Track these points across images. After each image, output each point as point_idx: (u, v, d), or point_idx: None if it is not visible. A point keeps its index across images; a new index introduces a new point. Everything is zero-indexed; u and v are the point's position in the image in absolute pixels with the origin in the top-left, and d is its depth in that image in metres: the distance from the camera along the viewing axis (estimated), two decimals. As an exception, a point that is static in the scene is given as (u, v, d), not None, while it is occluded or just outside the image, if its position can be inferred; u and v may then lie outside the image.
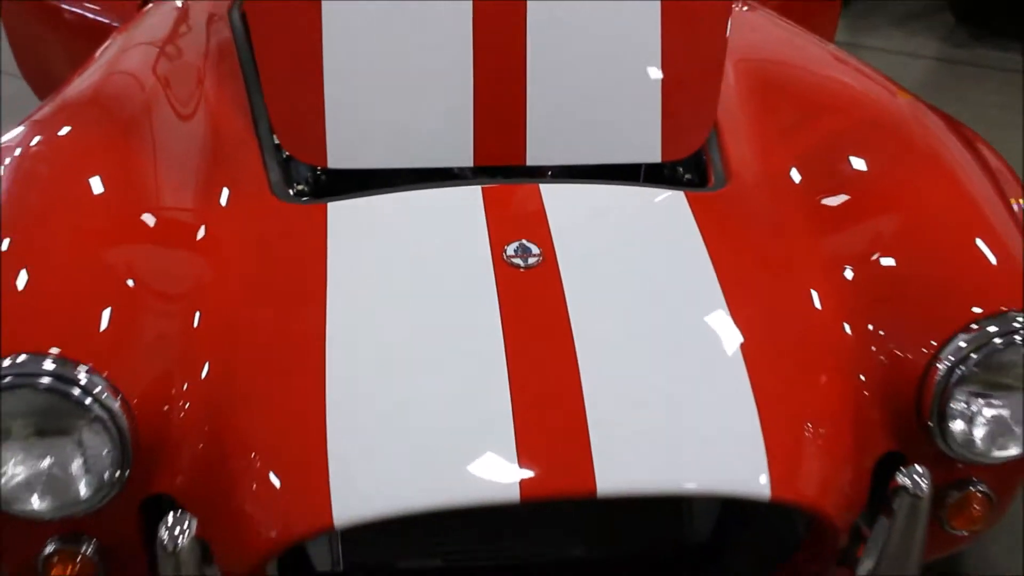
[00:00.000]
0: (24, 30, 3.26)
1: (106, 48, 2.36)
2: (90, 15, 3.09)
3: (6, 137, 1.80)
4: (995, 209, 1.67)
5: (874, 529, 1.47)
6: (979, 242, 1.56)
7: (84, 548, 1.41)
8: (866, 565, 1.48)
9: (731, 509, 1.63)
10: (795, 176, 1.75)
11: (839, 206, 1.67)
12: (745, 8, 2.60)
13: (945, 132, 1.88)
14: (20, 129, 1.83)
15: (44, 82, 3.07)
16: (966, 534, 1.57)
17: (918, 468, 1.39)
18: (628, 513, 1.60)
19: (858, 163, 1.75)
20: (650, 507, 1.61)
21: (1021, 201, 1.78)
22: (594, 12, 1.73)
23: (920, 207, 1.66)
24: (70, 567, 1.41)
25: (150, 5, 2.70)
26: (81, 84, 2.06)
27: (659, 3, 1.73)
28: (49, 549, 1.41)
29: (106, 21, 3.02)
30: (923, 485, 1.37)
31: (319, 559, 1.61)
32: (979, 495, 1.54)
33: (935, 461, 1.51)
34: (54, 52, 3.12)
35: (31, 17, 3.19)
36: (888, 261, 1.58)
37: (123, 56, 2.24)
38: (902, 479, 1.37)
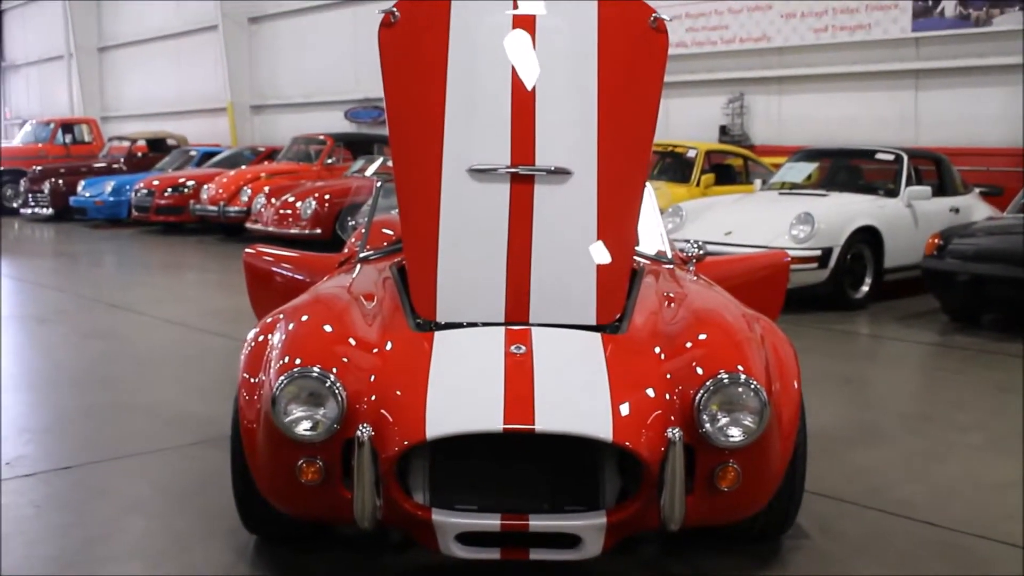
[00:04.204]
0: (254, 284, 5.46)
1: (313, 288, 4.33)
2: (289, 274, 5.26)
3: (262, 322, 3.68)
4: (755, 356, 3.32)
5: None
6: (739, 366, 3.22)
7: (317, 462, 3.14)
8: (662, 495, 3.06)
9: (626, 483, 3.20)
10: (660, 334, 3.48)
11: (675, 348, 3.38)
12: (694, 279, 4.43)
13: (751, 328, 3.51)
14: (270, 319, 3.68)
15: (264, 310, 5.13)
16: (726, 490, 3.13)
17: (676, 430, 3.01)
18: (570, 479, 3.22)
19: (692, 334, 3.45)
20: (577, 475, 3.21)
21: (795, 381, 3.42)
22: (563, 239, 3.62)
23: (711, 349, 3.35)
24: (312, 470, 3.14)
25: (337, 270, 4.73)
26: (303, 299, 3.97)
27: (595, 264, 3.62)
28: (301, 462, 3.14)
29: (301, 278, 5.12)
30: (678, 436, 2.99)
31: (418, 499, 3.25)
32: (731, 468, 3.13)
33: (711, 450, 3.13)
34: (270, 296, 5.17)
35: (258, 276, 5.47)
36: (694, 367, 3.25)
37: (328, 288, 4.19)
38: (669, 434, 3.00)
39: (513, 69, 3.69)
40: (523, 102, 3.67)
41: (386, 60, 3.72)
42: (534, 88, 3.68)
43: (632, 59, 3.74)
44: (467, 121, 3.68)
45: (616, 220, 3.68)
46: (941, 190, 10.00)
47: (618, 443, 3.03)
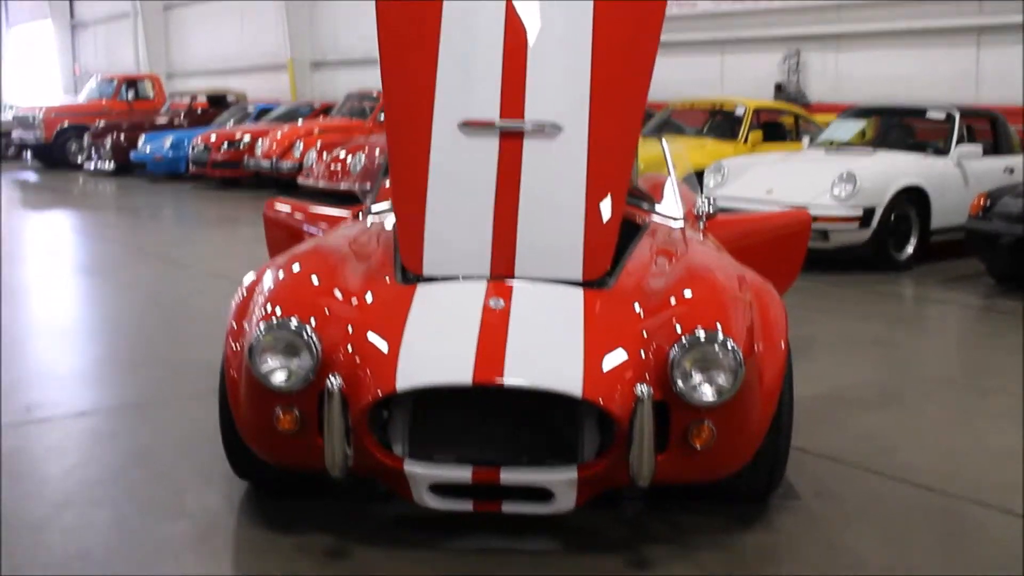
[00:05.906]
0: (274, 237, 5.49)
1: (314, 239, 4.36)
2: (306, 228, 5.29)
3: (258, 270, 3.72)
4: (738, 315, 3.28)
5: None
6: (718, 323, 3.17)
7: (293, 411, 3.18)
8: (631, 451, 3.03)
9: (605, 439, 3.18)
10: (645, 291, 3.45)
11: (658, 305, 3.34)
12: (699, 237, 4.35)
13: (740, 288, 3.46)
14: (265, 268, 3.72)
15: None
16: (700, 448, 3.10)
17: (644, 386, 2.97)
18: (550, 435, 3.21)
19: (676, 291, 3.41)
20: (557, 431, 3.22)
21: (782, 342, 3.36)
22: (552, 198, 3.58)
23: (692, 307, 3.30)
24: (288, 418, 3.18)
25: (346, 220, 4.75)
26: (300, 248, 4.00)
27: (583, 220, 3.58)
28: (278, 410, 3.18)
29: (316, 232, 5.16)
30: (647, 392, 2.96)
31: (397, 451, 3.28)
32: (706, 427, 3.09)
33: (685, 408, 3.10)
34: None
35: (278, 229, 5.50)
36: (673, 324, 3.21)
37: (329, 240, 4.21)
38: (638, 390, 2.97)
39: (506, 24, 3.66)
40: (514, 56, 3.63)
41: (382, 16, 3.71)
42: (526, 43, 3.64)
43: (628, 16, 3.68)
44: (458, 76, 3.65)
45: (606, 177, 3.63)
46: (996, 149, 9.70)
47: (588, 399, 3.01)
